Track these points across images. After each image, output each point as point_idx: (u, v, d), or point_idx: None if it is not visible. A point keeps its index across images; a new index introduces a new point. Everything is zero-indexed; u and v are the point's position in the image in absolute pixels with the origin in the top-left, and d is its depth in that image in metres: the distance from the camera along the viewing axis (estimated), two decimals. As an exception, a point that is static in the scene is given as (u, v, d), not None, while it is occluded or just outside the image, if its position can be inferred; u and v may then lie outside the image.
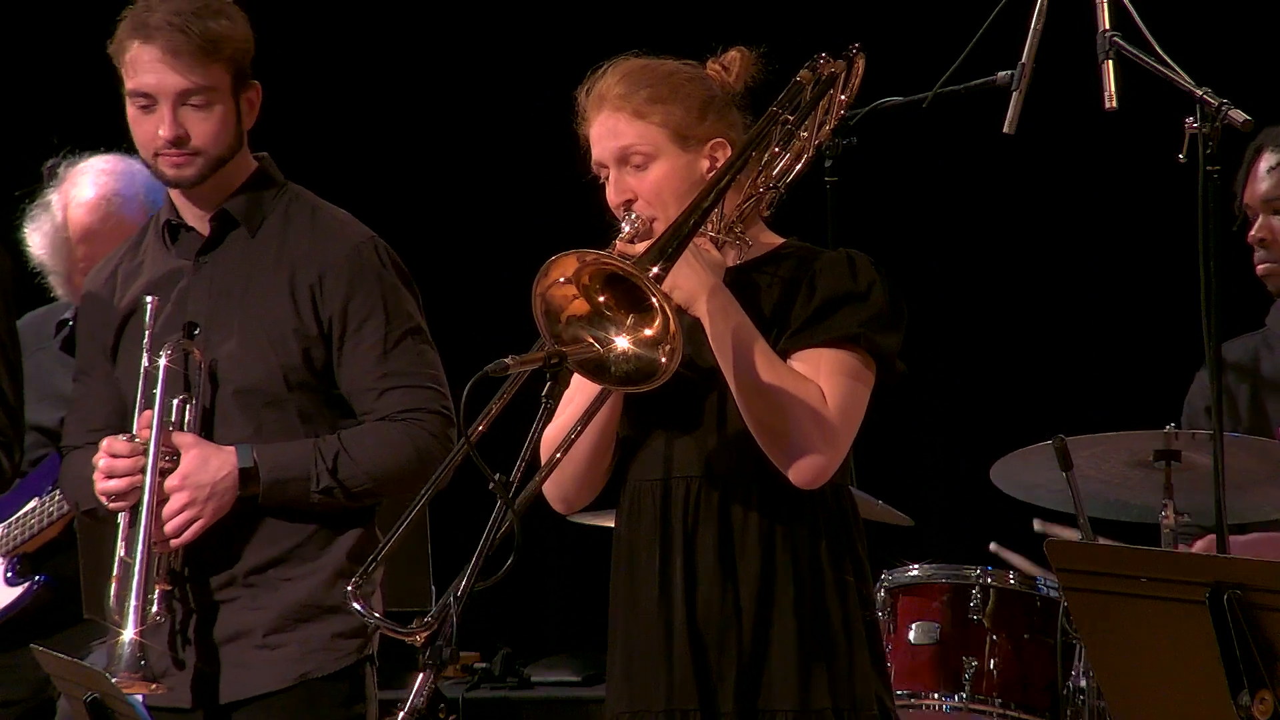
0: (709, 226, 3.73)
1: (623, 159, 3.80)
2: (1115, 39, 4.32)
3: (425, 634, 3.43)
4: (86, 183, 5.41)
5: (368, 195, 4.57)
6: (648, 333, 3.53)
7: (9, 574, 5.36)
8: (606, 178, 3.82)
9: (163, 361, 4.29)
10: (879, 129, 4.01)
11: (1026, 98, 4.41)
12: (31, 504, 5.36)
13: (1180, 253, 4.50)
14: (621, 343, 3.55)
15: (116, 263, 4.51)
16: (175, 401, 4.30)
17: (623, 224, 3.76)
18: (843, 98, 3.94)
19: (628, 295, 3.53)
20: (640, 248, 3.64)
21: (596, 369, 3.55)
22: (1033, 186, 6.84)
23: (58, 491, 5.27)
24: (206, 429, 4.31)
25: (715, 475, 3.76)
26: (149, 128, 4.29)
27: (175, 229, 4.41)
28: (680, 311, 3.66)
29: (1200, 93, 4.25)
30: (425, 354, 4.34)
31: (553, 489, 3.83)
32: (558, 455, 3.65)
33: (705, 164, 3.80)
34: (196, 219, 4.39)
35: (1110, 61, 4.31)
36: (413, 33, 7.53)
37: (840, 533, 3.79)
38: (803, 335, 3.73)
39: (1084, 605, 3.50)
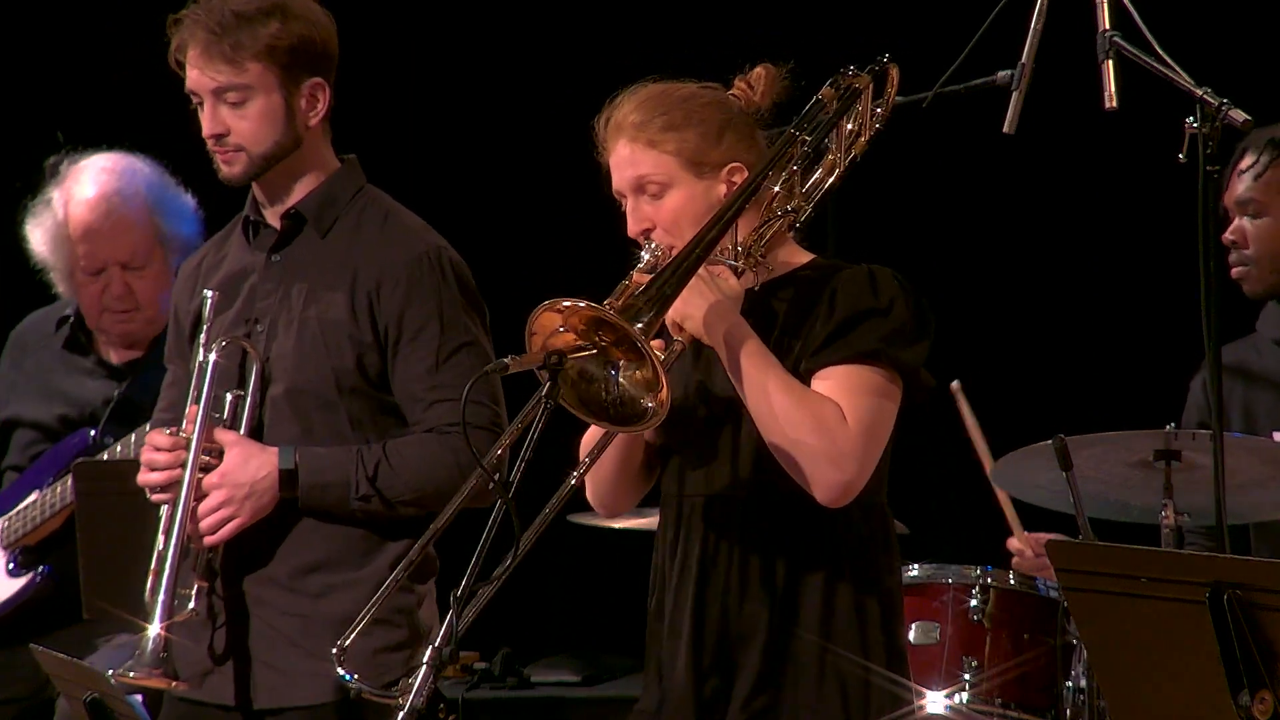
0: (726, 254, 3.71)
1: (639, 188, 3.79)
2: (1115, 39, 4.32)
3: (408, 699, 3.42)
4: (87, 180, 5.43)
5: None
6: (640, 375, 3.52)
7: (10, 565, 5.38)
8: (626, 206, 3.82)
9: (212, 357, 4.32)
10: (879, 129, 4.01)
11: (1026, 98, 4.41)
12: (32, 497, 5.38)
13: (1180, 253, 4.49)
14: (616, 382, 3.54)
15: (203, 254, 4.58)
16: (229, 397, 4.34)
17: (643, 252, 3.76)
18: (878, 110, 3.92)
19: (624, 336, 3.51)
20: None
21: (594, 409, 3.53)
22: (1033, 186, 6.84)
23: (59, 484, 5.29)
24: (258, 427, 4.33)
25: (734, 497, 3.76)
26: (203, 125, 4.36)
27: (255, 225, 4.45)
28: (694, 340, 3.67)
29: (1200, 93, 4.25)
30: (478, 369, 4.32)
31: (592, 495, 3.87)
32: (573, 479, 3.66)
33: (722, 189, 3.78)
34: (273, 216, 4.43)
35: (1110, 61, 4.30)
36: (446, 39, 7.54)
37: (865, 555, 3.77)
38: (823, 354, 3.71)
39: (1084, 605, 3.50)
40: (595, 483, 3.85)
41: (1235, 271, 5.17)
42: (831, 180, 3.86)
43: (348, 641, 3.60)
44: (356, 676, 3.64)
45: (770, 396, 3.63)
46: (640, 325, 3.46)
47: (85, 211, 5.41)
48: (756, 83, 3.87)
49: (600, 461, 3.76)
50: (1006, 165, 6.41)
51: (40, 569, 5.34)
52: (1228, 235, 5.15)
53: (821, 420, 3.64)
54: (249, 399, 4.33)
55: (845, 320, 3.71)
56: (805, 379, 3.70)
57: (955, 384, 5.46)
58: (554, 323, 3.49)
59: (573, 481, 3.68)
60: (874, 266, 3.79)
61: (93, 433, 5.37)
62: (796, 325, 3.76)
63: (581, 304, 3.48)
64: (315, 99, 4.37)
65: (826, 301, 3.74)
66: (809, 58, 3.95)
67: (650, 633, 3.85)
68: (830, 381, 3.70)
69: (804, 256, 3.87)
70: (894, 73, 3.95)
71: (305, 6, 4.37)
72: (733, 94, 3.86)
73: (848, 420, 3.66)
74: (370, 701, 4.22)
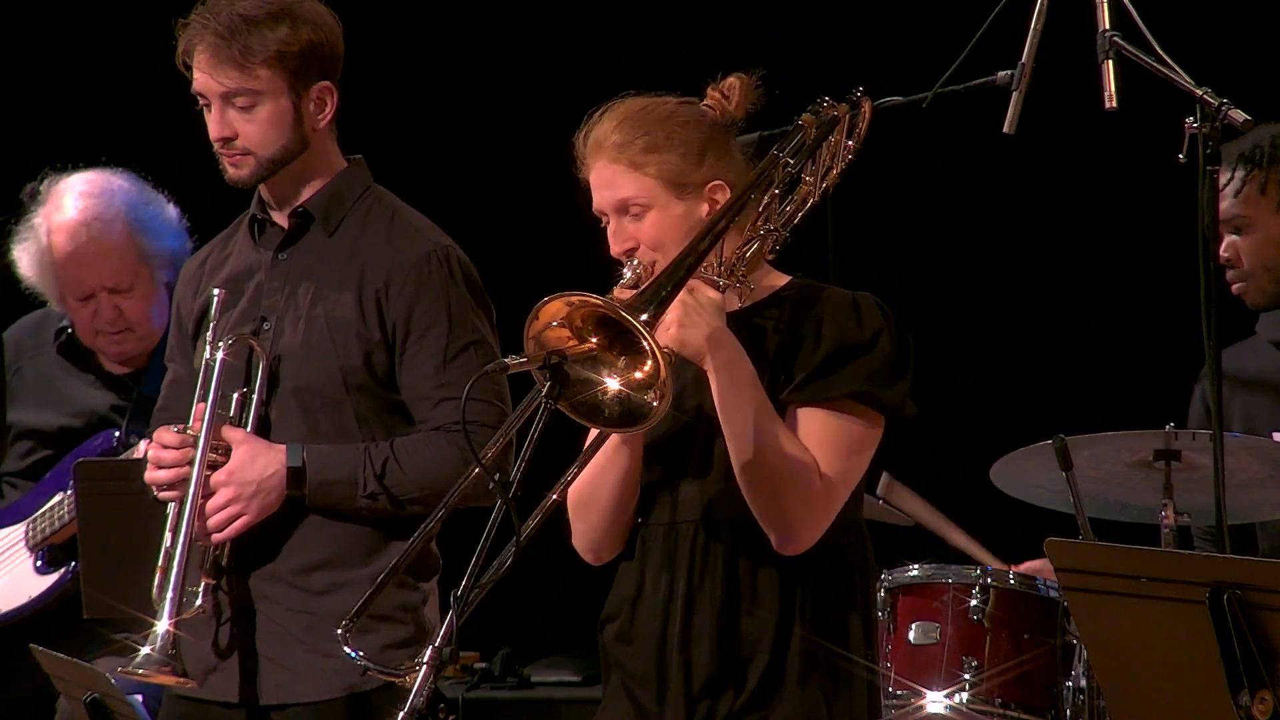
0: (710, 270, 3.71)
1: (621, 209, 3.79)
2: (1115, 39, 4.32)
3: (413, 676, 3.42)
4: (68, 205, 5.44)
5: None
6: (638, 375, 3.53)
7: (39, 563, 5.39)
8: (607, 224, 3.82)
9: (220, 355, 4.33)
10: (879, 129, 4.00)
11: (1026, 98, 4.41)
12: (57, 498, 5.39)
13: (1180, 253, 4.49)
14: (613, 384, 3.55)
15: (208, 252, 4.59)
16: (235, 395, 4.35)
17: (624, 270, 3.76)
18: (850, 143, 3.93)
19: (620, 337, 3.53)
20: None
21: (590, 411, 3.55)
22: (1033, 186, 6.84)
23: None
24: (265, 425, 4.34)
25: (721, 519, 3.75)
26: (209, 126, 4.37)
27: (261, 223, 4.47)
28: (686, 361, 3.66)
29: (1200, 93, 4.25)
30: None
31: (582, 541, 3.83)
32: (553, 496, 3.64)
33: (704, 207, 3.79)
34: (279, 215, 4.45)
35: (1110, 61, 4.31)
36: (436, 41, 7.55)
37: (848, 572, 3.79)
38: (806, 390, 3.72)
39: (1084, 605, 3.50)
40: (588, 527, 3.81)
41: (1235, 288, 5.20)
42: (805, 210, 3.87)
43: (354, 621, 3.60)
44: (362, 654, 3.63)
45: (754, 439, 3.63)
46: (644, 318, 3.47)
47: (66, 239, 5.42)
48: (730, 93, 3.86)
49: (595, 504, 3.76)
50: (1006, 165, 6.41)
51: (71, 564, 5.35)
52: (1221, 254, 5.17)
53: (797, 476, 3.65)
54: (255, 397, 4.34)
55: (830, 356, 3.72)
56: (783, 408, 3.71)
57: (884, 481, 5.51)
58: (558, 313, 3.49)
59: (570, 478, 3.67)
60: (858, 294, 3.79)
61: (117, 434, 5.39)
62: (779, 351, 3.75)
63: (591, 298, 3.49)
64: (323, 102, 4.39)
65: (812, 332, 3.74)
66: (809, 58, 3.95)
67: (613, 657, 3.82)
68: (812, 425, 3.71)
69: (782, 278, 3.87)
70: (867, 107, 3.96)
71: (313, 10, 4.37)
72: (706, 104, 3.85)
73: (823, 477, 3.67)
74: (374, 697, 4.25)
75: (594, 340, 3.54)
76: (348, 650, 3.58)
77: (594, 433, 3.72)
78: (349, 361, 4.33)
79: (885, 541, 5.69)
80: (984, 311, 6.93)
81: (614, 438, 3.68)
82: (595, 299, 3.50)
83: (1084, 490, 5.01)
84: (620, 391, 3.54)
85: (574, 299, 3.50)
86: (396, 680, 3.48)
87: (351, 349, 4.33)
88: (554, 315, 3.51)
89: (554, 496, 3.65)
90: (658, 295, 3.54)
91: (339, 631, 3.60)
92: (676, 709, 3.74)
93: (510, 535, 3.45)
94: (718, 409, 3.66)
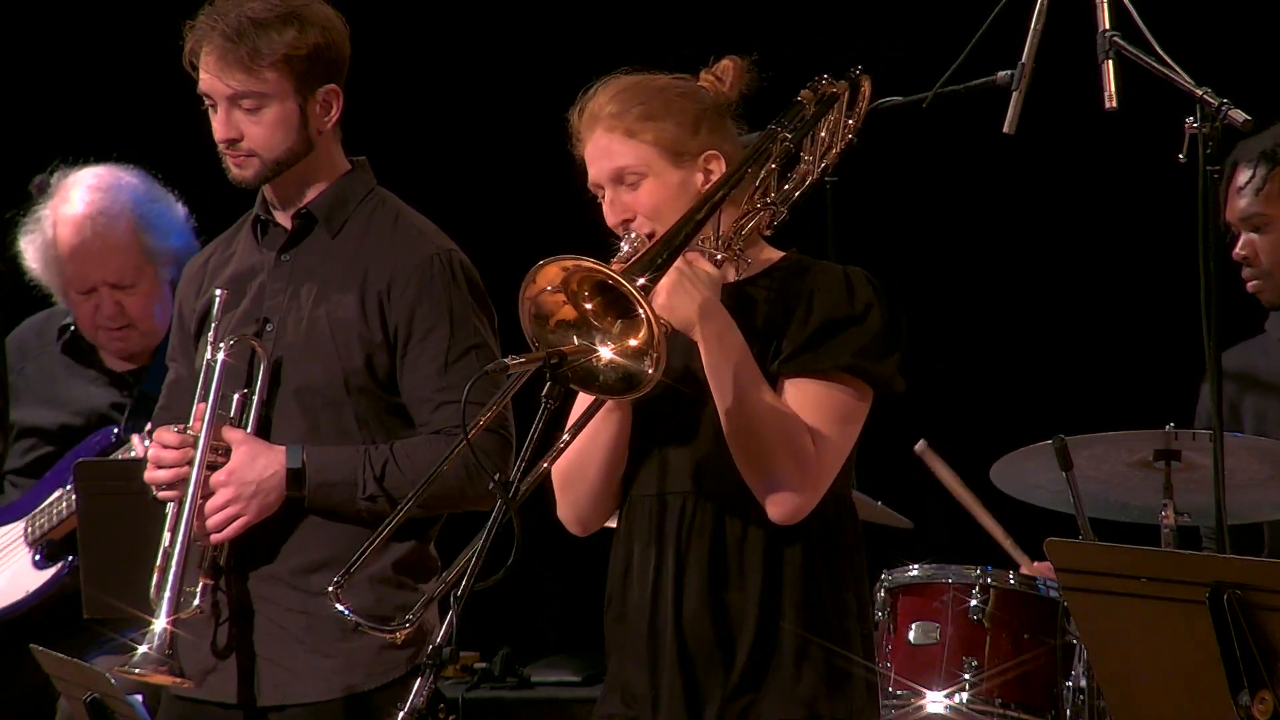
0: (707, 243, 3.72)
1: (618, 179, 3.79)
2: (1115, 39, 4.33)
3: (405, 632, 3.43)
4: (75, 199, 5.45)
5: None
6: (633, 342, 3.53)
7: (37, 558, 5.40)
8: (603, 198, 3.82)
9: (221, 355, 4.33)
10: (879, 129, 4.01)
11: (1026, 98, 4.42)
12: (56, 494, 5.40)
13: (1180, 253, 4.50)
14: (606, 352, 3.55)
15: (211, 252, 4.59)
16: (235, 396, 4.35)
17: (622, 243, 3.76)
18: (850, 122, 3.93)
19: (615, 304, 3.54)
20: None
21: (585, 377, 3.55)
22: (1033, 186, 6.84)
23: None
24: (265, 425, 4.34)
25: (711, 490, 3.74)
26: (214, 127, 4.37)
27: (264, 224, 4.47)
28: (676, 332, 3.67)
29: (1200, 93, 4.26)
30: None
31: (568, 511, 3.83)
32: (545, 465, 3.62)
33: (700, 178, 3.79)
34: (283, 216, 4.45)
35: (1110, 61, 4.31)
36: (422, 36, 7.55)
37: (838, 546, 3.77)
38: (796, 361, 3.72)
39: (1084, 605, 3.50)
40: (576, 498, 3.81)
41: (1251, 286, 5.18)
42: (804, 188, 3.87)
43: (345, 578, 3.62)
44: (354, 613, 3.65)
45: (745, 406, 3.64)
46: (641, 283, 3.48)
47: (71, 232, 5.43)
48: (724, 74, 3.87)
49: (584, 474, 3.76)
50: (1006, 165, 6.41)
51: (69, 559, 5.36)
52: (1238, 251, 5.15)
53: (789, 442, 3.65)
54: (256, 397, 4.35)
55: (821, 328, 3.72)
56: (774, 380, 3.71)
57: (920, 444, 5.50)
58: (554, 277, 3.50)
59: (563, 445, 3.66)
60: (850, 268, 3.79)
61: (116, 430, 5.40)
62: (771, 323, 3.76)
63: (586, 262, 3.50)
64: (329, 105, 4.39)
65: (803, 303, 3.74)
66: (811, 58, 3.95)
67: (612, 639, 3.82)
68: (800, 394, 3.71)
69: (776, 253, 3.87)
70: (866, 86, 3.96)
71: (321, 13, 4.37)
72: (701, 86, 3.85)
73: (816, 446, 3.67)
74: (374, 698, 4.25)
75: (589, 306, 3.55)
76: (339, 607, 3.59)
77: (579, 409, 3.72)
78: (350, 363, 4.33)
79: (885, 542, 5.71)
80: (984, 311, 6.93)
81: (605, 405, 3.68)
82: (591, 263, 3.51)
83: (1084, 490, 5.01)
84: (613, 359, 3.54)
85: (569, 263, 3.50)
86: (389, 636, 3.49)
87: (353, 350, 4.33)
88: (550, 280, 3.51)
89: (546, 464, 3.63)
90: (654, 262, 3.54)
91: (329, 589, 3.61)
92: (673, 686, 3.72)
93: (510, 535, 3.45)
94: (709, 379, 3.66)
